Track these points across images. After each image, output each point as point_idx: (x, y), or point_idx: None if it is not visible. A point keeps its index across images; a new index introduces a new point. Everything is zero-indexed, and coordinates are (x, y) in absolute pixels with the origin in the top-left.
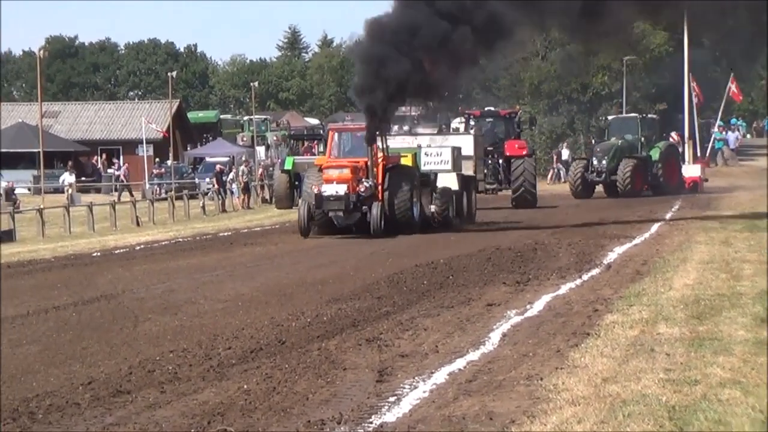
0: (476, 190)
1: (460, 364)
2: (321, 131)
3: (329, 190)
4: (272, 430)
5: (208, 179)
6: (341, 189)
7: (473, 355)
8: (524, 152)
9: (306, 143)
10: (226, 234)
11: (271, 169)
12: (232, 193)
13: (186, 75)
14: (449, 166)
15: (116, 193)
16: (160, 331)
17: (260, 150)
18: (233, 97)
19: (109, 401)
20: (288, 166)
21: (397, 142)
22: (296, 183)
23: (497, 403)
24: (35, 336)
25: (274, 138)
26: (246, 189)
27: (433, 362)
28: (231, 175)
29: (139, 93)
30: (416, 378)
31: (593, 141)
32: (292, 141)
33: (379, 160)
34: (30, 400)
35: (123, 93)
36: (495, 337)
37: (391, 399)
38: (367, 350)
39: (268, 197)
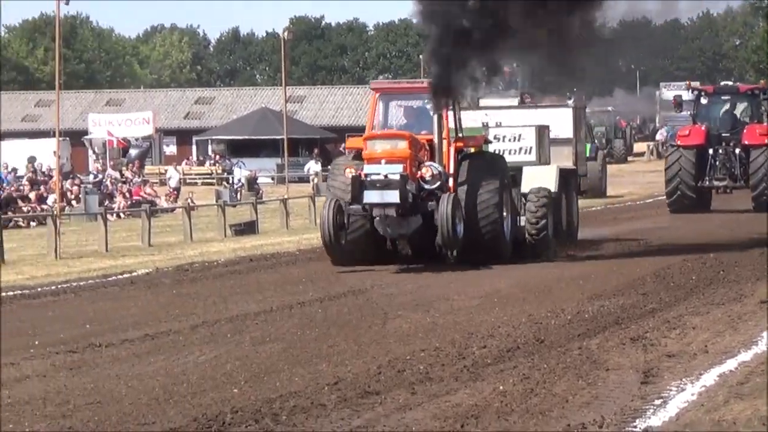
0: (578, 191)
1: (730, 365)
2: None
3: (375, 171)
4: None
5: None
6: (395, 171)
7: (745, 356)
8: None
9: None
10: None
11: None
12: None
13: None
14: (532, 156)
15: None
16: (410, 329)
17: None
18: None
19: (356, 402)
20: None
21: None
22: None
23: None
24: (279, 333)
25: None
26: None
27: (701, 363)
28: None
29: (389, 76)
30: (684, 379)
31: None
32: None
33: (452, 142)
34: (273, 400)
35: (372, 76)
36: None
37: (657, 402)
38: (631, 350)
39: None
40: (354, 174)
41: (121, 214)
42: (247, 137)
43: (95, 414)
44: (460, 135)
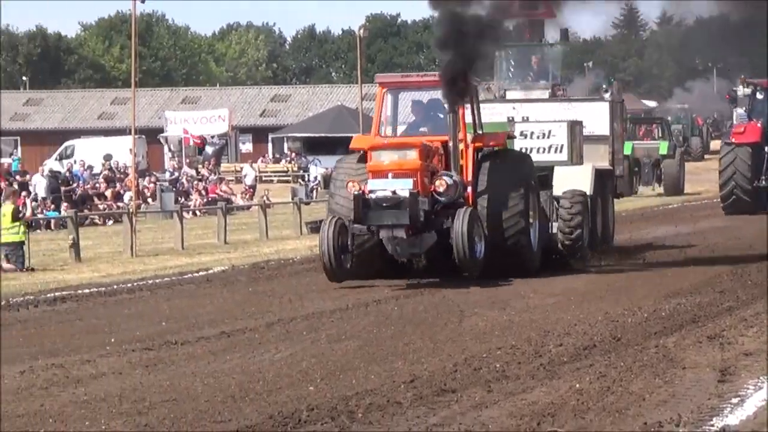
0: (615, 194)
1: None
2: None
3: (381, 187)
4: None
5: None
6: (404, 186)
7: None
8: None
9: (644, 127)
10: None
11: None
12: None
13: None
14: (563, 155)
15: None
16: (487, 327)
17: None
18: (566, 77)
19: (432, 400)
20: (627, 151)
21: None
22: (635, 169)
23: None
24: (355, 331)
25: None
26: None
27: None
28: None
29: None
30: (761, 378)
31: None
32: (629, 125)
33: (469, 142)
34: (349, 398)
35: None
36: None
37: (734, 400)
38: (708, 348)
39: None
40: (357, 192)
41: (197, 212)
42: (322, 135)
43: (171, 411)
44: (480, 132)
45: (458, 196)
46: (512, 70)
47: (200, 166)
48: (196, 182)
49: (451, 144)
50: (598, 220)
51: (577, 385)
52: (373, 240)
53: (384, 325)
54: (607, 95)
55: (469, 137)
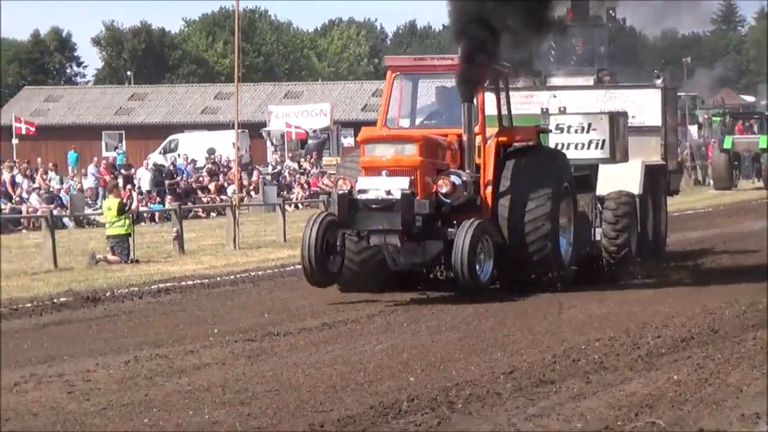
0: (668, 191)
1: None
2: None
3: (373, 186)
4: (703, 424)
5: None
6: (398, 186)
7: None
8: None
9: (743, 122)
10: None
11: (703, 149)
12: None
13: (613, 50)
14: (604, 151)
15: None
16: (585, 319)
17: (692, 129)
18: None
19: (531, 391)
20: (727, 145)
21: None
22: (735, 163)
23: None
24: (455, 323)
25: (705, 116)
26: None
27: None
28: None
29: None
30: None
31: None
32: (729, 119)
33: (491, 138)
34: (449, 389)
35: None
36: None
37: None
38: None
39: (700, 178)
40: (343, 191)
41: (299, 205)
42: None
43: (273, 401)
44: (507, 124)
45: (468, 199)
46: (553, 53)
47: (302, 159)
48: (298, 176)
49: (465, 138)
50: (648, 222)
51: (675, 377)
52: (366, 249)
53: (483, 317)
54: (658, 81)
55: (491, 131)
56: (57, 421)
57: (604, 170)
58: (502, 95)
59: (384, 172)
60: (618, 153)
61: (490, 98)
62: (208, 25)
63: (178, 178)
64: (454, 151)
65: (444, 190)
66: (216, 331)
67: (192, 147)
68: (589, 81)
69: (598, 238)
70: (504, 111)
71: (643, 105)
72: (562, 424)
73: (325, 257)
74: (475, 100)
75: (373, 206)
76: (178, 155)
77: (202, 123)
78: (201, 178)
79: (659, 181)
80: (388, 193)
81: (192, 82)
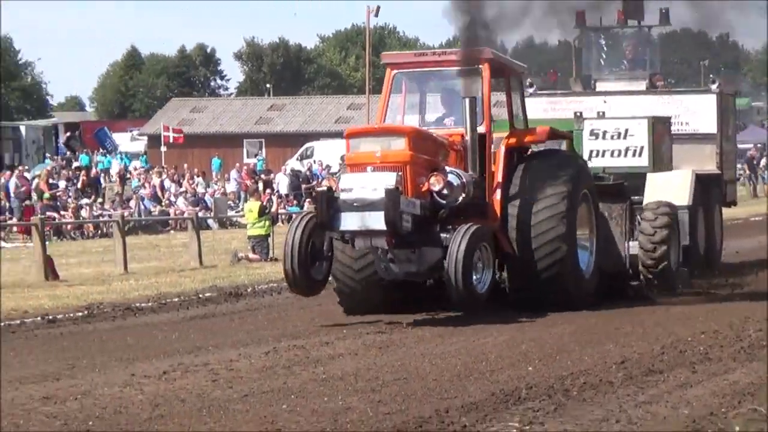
0: (724, 202)
1: None
2: None
3: (357, 184)
4: None
5: (739, 165)
6: (384, 182)
7: None
8: None
9: None
10: (756, 219)
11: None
12: (763, 179)
13: (715, 63)
14: (643, 159)
15: None
16: (691, 312)
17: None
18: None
19: (641, 380)
20: None
21: (537, 109)
22: None
23: None
24: (569, 317)
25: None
26: None
27: None
28: (763, 162)
29: (671, 82)
30: None
31: None
32: None
33: (502, 140)
34: (564, 378)
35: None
36: None
37: None
38: None
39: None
40: (321, 190)
41: None
42: None
43: (402, 389)
44: (519, 125)
45: (471, 203)
46: (604, 57)
47: None
48: None
49: (468, 137)
50: (699, 235)
51: None
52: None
53: (595, 311)
54: (714, 86)
55: (500, 134)
56: (203, 407)
57: (653, 179)
58: (515, 96)
59: (369, 169)
60: (657, 161)
61: (533, 102)
62: (341, 41)
63: (314, 183)
64: (457, 150)
65: (437, 187)
66: (348, 324)
67: (327, 153)
68: (641, 86)
69: (633, 251)
70: (516, 112)
71: (698, 111)
72: (669, 410)
73: (310, 263)
74: (480, 94)
75: (355, 204)
76: (314, 161)
77: (336, 131)
78: None
79: (713, 191)
80: (373, 192)
81: (326, 94)
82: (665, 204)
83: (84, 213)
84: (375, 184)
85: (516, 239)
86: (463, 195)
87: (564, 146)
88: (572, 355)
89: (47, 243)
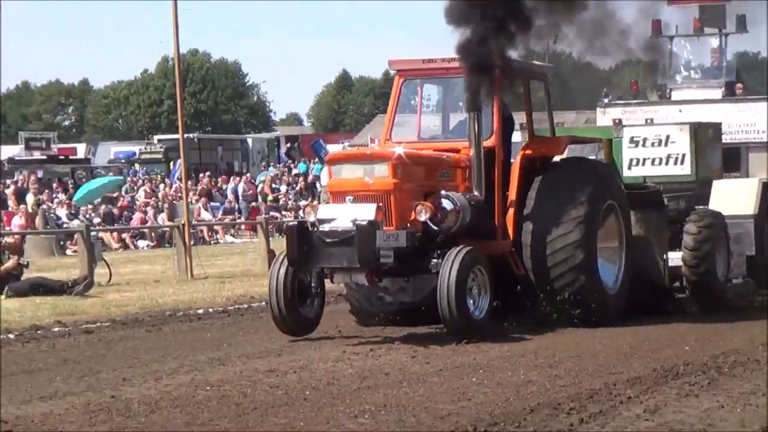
0: None
1: None
2: None
3: (333, 215)
4: None
5: None
6: (363, 214)
7: None
8: None
9: None
10: None
11: None
12: None
13: None
14: (685, 167)
15: None
16: None
17: None
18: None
19: None
20: None
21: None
22: None
23: None
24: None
25: None
26: None
27: None
28: None
29: None
30: None
31: None
32: None
33: (516, 156)
34: (717, 356)
35: None
36: None
37: None
38: None
39: None
40: (300, 220)
41: None
42: None
43: (575, 365)
44: (535, 136)
45: (472, 225)
46: (680, 65)
47: None
48: None
49: (473, 153)
50: (765, 246)
51: None
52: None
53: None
54: None
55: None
56: (403, 379)
57: (718, 187)
58: (540, 101)
59: (348, 199)
60: (701, 170)
61: (608, 112)
62: None
63: None
64: (461, 168)
65: (423, 217)
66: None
67: None
68: (716, 94)
69: (673, 263)
70: (537, 120)
71: (746, 116)
72: None
73: (298, 302)
74: (493, 104)
75: (328, 240)
76: None
77: None
78: None
79: None
80: (352, 222)
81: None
82: (711, 214)
83: (301, 213)
84: (352, 216)
85: (531, 268)
86: (458, 221)
87: (601, 155)
88: (724, 336)
89: (270, 239)
